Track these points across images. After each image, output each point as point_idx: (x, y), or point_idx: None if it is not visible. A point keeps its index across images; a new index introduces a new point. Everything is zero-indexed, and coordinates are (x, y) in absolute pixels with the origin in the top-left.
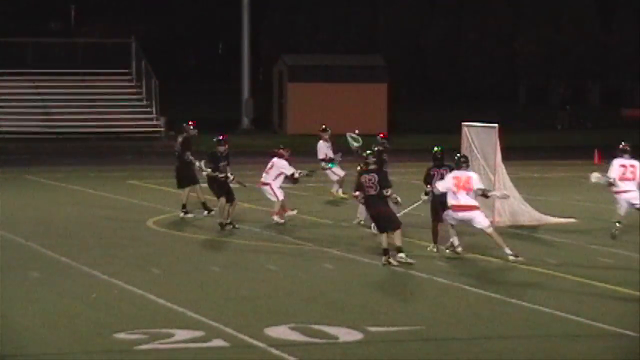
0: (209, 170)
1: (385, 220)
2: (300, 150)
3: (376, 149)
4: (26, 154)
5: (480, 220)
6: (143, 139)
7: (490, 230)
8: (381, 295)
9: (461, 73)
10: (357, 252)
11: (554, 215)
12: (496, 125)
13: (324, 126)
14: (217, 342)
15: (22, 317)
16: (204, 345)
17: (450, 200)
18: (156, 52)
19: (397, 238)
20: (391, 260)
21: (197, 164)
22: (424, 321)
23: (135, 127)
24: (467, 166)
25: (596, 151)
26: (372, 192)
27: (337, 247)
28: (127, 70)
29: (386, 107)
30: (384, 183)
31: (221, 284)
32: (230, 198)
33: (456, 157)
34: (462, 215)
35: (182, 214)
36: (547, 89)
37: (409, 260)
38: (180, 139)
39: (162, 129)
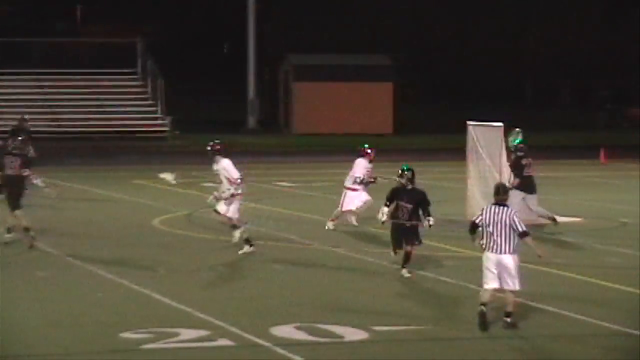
0: None
1: None
2: (306, 150)
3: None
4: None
5: None
6: (149, 139)
7: None
8: (386, 295)
9: (469, 73)
10: (363, 252)
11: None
12: (501, 124)
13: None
14: (223, 342)
15: (27, 316)
16: (210, 344)
17: None
18: (162, 51)
19: None
20: None
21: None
22: (429, 321)
23: (141, 127)
24: None
25: (602, 150)
26: None
27: (343, 247)
28: (133, 70)
29: (392, 107)
30: None
31: (227, 284)
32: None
33: None
34: None
35: None
36: (554, 89)
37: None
38: None
39: (168, 129)
